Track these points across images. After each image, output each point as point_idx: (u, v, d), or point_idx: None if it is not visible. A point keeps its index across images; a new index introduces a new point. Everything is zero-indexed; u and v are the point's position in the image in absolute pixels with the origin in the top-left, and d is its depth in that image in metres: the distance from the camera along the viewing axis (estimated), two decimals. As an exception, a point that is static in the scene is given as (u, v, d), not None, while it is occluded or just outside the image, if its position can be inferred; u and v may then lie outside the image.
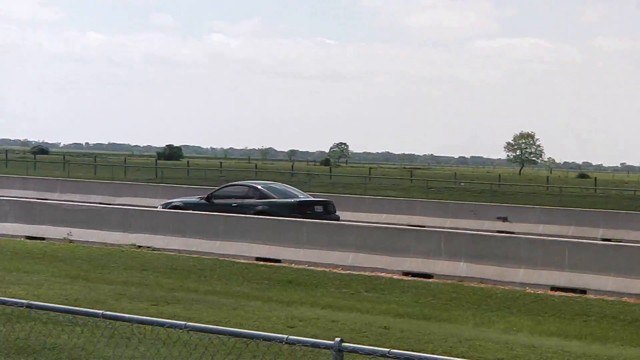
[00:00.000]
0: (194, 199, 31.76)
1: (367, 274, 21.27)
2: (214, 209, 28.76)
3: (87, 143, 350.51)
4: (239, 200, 30.18)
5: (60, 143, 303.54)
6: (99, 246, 24.49)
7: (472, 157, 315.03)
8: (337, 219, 29.80)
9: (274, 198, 30.26)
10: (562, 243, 22.03)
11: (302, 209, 29.34)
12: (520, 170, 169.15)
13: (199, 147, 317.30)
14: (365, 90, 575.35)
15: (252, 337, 7.97)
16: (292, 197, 30.79)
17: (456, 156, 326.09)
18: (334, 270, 21.57)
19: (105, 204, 36.18)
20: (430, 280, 20.76)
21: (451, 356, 11.16)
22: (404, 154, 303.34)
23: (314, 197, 32.97)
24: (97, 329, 10.57)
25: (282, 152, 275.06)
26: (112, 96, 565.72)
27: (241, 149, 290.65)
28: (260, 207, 29.36)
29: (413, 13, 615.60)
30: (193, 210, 28.78)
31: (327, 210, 30.52)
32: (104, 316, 8.49)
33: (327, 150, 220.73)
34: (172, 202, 31.64)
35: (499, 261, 21.08)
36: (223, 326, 11.46)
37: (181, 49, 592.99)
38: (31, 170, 70.77)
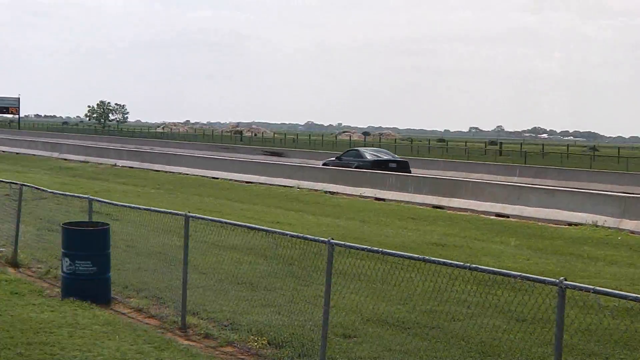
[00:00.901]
0: (334, 159, 46.43)
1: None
2: (342, 164, 43.88)
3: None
4: (351, 159, 44.59)
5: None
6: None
7: None
8: (409, 173, 41.96)
9: (363, 158, 44.45)
10: None
11: (378, 165, 42.66)
12: None
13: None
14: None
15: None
16: (375, 157, 44.65)
17: None
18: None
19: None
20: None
21: None
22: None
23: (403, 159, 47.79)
24: None
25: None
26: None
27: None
28: (355, 164, 43.39)
29: None
30: (332, 166, 44.03)
31: (401, 167, 43.55)
32: None
33: None
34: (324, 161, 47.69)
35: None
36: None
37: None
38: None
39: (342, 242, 10.28)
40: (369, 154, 45.74)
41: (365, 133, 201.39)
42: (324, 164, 46.24)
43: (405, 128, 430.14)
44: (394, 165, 43.61)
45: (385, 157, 45.21)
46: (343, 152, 49.75)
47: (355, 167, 42.29)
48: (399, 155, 53.04)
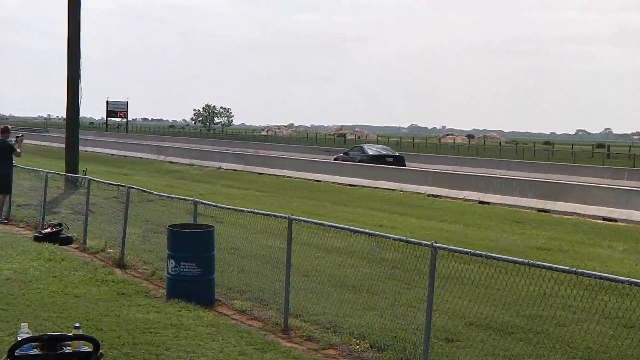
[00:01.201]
0: (342, 155, 54.47)
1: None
2: (348, 159, 51.54)
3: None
4: (356, 154, 52.44)
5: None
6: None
7: None
8: (404, 166, 49.46)
9: (365, 153, 52.10)
10: None
11: (376, 160, 50.35)
12: None
13: None
14: None
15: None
16: (376, 152, 52.37)
17: None
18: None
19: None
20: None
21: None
22: None
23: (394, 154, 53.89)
24: None
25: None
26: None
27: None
28: (359, 158, 50.98)
29: None
30: (341, 160, 51.33)
31: (397, 161, 51.22)
32: None
33: None
34: (335, 156, 55.52)
35: None
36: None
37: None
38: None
39: (445, 246, 10.20)
40: (370, 149, 53.58)
41: (470, 136, 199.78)
42: (335, 159, 53.48)
43: (511, 131, 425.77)
44: (390, 159, 51.36)
45: (384, 153, 53.11)
46: (350, 148, 60.11)
47: (359, 161, 49.63)
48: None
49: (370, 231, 12.31)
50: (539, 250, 20.63)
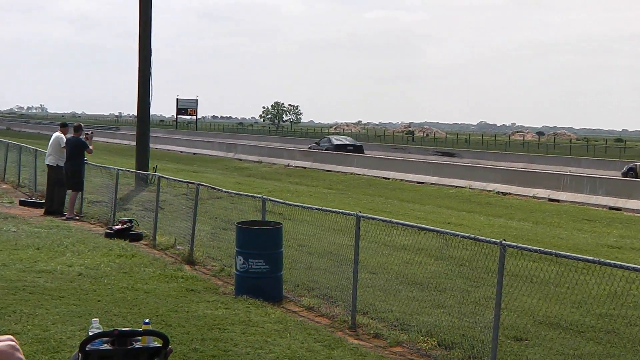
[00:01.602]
0: (315, 144, 65.82)
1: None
2: (319, 147, 62.26)
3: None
4: (324, 143, 63.46)
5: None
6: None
7: None
8: (362, 153, 58.63)
9: (331, 142, 63.05)
10: None
11: (340, 149, 60.24)
12: None
13: None
14: None
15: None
16: (338, 142, 63.36)
17: None
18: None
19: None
20: None
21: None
22: None
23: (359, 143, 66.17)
24: None
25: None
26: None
27: None
28: (325, 147, 62.03)
29: None
30: (314, 149, 61.35)
31: (357, 149, 61.10)
32: None
33: None
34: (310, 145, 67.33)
35: None
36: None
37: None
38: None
39: (514, 244, 10.12)
40: (335, 139, 65.17)
41: (540, 133, 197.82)
42: (309, 148, 64.27)
43: (581, 128, 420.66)
44: (351, 148, 61.13)
45: (347, 142, 63.89)
46: (320, 138, 71.87)
47: (325, 149, 59.80)
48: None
49: (439, 229, 12.26)
50: (609, 248, 20.38)
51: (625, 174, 46.84)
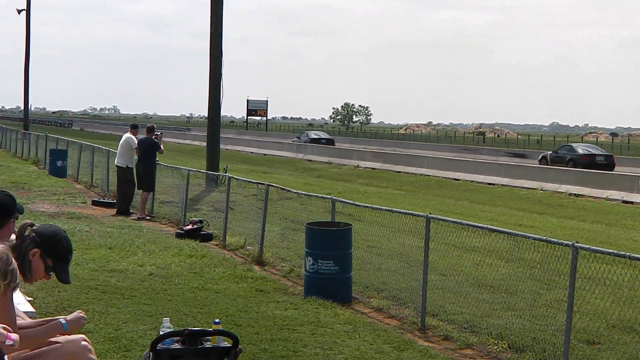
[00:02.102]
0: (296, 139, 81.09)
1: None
2: (300, 141, 77.38)
3: None
4: (305, 137, 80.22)
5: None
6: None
7: None
8: (333, 144, 73.84)
9: (308, 136, 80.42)
10: None
11: (315, 142, 74.28)
12: None
13: None
14: None
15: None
16: (314, 137, 79.57)
17: None
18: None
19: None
20: None
21: None
22: None
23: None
24: None
25: None
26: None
27: None
28: (304, 140, 77.46)
29: None
30: (297, 142, 75.01)
31: (328, 142, 75.80)
32: None
33: None
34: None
35: None
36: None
37: None
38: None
39: (587, 246, 10.00)
40: (312, 134, 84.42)
41: (613, 134, 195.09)
42: (292, 141, 77.39)
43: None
44: (324, 141, 76.93)
45: (320, 137, 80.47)
46: (300, 133, 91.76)
47: (304, 142, 74.29)
48: None
49: (509, 230, 12.17)
50: (685, 251, 20.05)
51: None
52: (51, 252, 5.79)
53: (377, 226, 15.97)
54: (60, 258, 5.84)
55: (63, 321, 5.83)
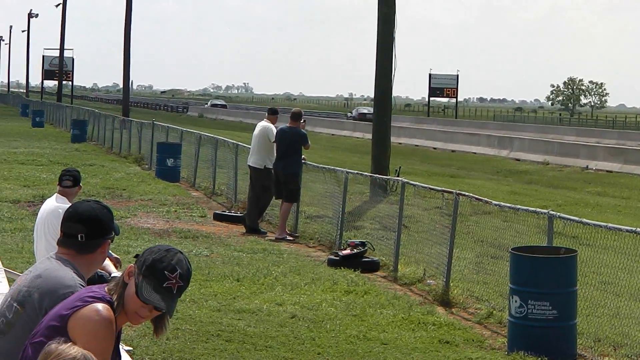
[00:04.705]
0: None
1: None
2: (349, 119, 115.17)
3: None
4: (354, 114, 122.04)
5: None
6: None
7: None
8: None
9: (357, 112, 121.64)
10: None
11: (362, 118, 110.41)
12: None
13: None
14: None
15: None
16: (364, 111, 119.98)
17: None
18: None
19: None
20: None
21: None
22: None
23: None
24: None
25: None
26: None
27: None
28: (352, 117, 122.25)
29: None
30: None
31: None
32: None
33: None
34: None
35: None
36: None
37: None
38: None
39: None
40: (361, 108, 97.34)
41: None
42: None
43: None
44: (370, 116, 77.53)
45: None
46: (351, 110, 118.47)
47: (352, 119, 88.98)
48: None
49: None
50: None
51: None
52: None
53: (614, 254, 15.73)
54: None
55: None
